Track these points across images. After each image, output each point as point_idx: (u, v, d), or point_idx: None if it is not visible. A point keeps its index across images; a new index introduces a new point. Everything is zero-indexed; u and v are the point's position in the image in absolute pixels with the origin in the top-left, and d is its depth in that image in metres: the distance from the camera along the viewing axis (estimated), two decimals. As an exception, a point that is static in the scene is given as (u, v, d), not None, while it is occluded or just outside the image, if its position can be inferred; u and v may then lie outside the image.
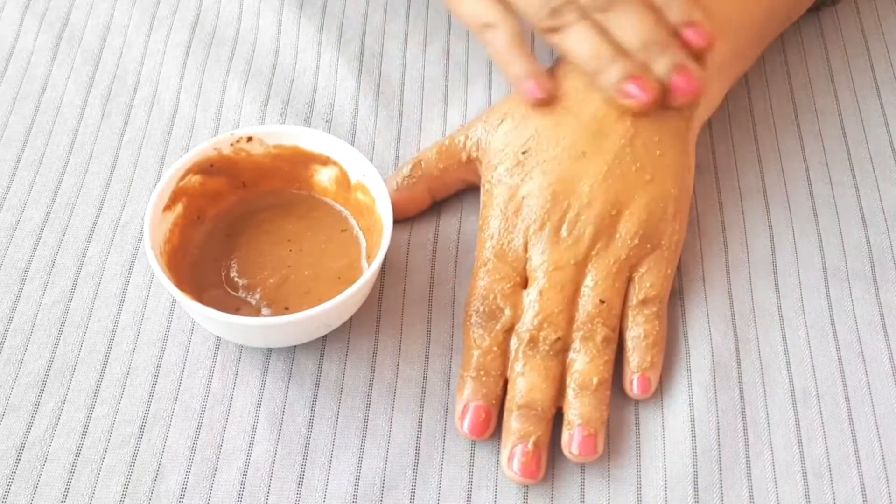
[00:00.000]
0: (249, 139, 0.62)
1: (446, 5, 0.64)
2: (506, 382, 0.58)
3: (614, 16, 0.59)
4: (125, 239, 0.64)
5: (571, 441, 0.56)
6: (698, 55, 0.60)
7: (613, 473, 0.56)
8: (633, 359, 0.58)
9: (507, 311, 0.59)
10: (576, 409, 0.56)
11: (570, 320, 0.58)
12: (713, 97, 0.64)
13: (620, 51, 0.59)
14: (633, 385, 0.58)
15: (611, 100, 0.60)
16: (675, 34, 0.60)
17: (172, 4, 0.75)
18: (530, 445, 0.55)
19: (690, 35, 0.60)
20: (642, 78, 0.59)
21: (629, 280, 0.59)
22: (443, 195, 0.65)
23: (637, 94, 0.59)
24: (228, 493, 0.55)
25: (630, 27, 0.59)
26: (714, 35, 0.60)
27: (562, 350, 0.58)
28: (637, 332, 0.58)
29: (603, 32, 0.59)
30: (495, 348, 0.58)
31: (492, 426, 0.57)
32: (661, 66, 0.59)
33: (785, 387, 0.58)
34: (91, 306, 0.61)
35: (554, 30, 0.60)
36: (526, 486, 0.56)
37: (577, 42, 0.60)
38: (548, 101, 0.61)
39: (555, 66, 0.63)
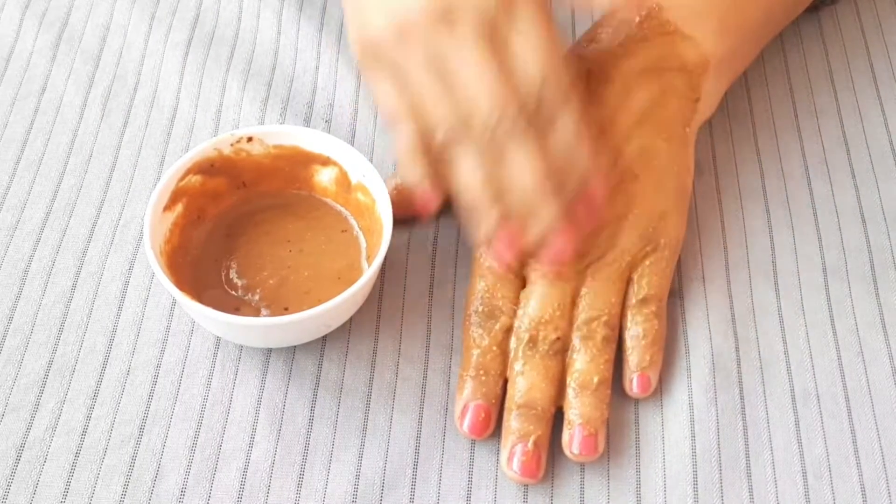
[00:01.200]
0: (249, 139, 0.62)
1: (364, 77, 0.60)
2: (505, 382, 0.58)
3: (512, 152, 0.54)
4: (125, 239, 0.64)
5: (572, 440, 0.56)
6: (591, 209, 0.57)
7: (613, 473, 0.56)
8: (633, 358, 0.58)
9: (507, 311, 0.59)
10: (576, 409, 0.56)
11: (570, 320, 0.58)
12: (711, 97, 0.64)
13: (504, 193, 0.55)
14: (632, 384, 0.58)
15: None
16: (571, 185, 0.55)
17: (172, 5, 0.75)
18: (530, 445, 0.55)
19: (589, 188, 0.56)
20: (512, 234, 0.56)
21: (629, 280, 0.59)
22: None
23: (500, 251, 0.57)
24: (228, 493, 0.55)
25: (523, 168, 0.54)
26: (599, 219, 0.57)
27: (561, 350, 0.58)
28: (636, 331, 0.58)
29: (493, 169, 0.55)
30: (495, 348, 0.58)
31: (491, 426, 0.57)
32: (535, 221, 0.55)
33: (785, 387, 0.58)
34: (91, 306, 0.61)
35: (447, 151, 0.56)
36: (525, 486, 0.56)
37: (465, 173, 0.55)
38: (432, 212, 0.58)
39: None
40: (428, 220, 0.59)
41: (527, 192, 0.55)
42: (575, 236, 0.57)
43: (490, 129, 0.54)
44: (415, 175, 0.57)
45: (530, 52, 0.53)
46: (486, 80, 0.53)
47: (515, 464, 0.55)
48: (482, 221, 0.56)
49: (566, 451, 0.56)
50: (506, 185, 0.55)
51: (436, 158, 0.56)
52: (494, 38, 0.53)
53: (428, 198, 0.57)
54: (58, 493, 0.55)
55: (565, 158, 0.55)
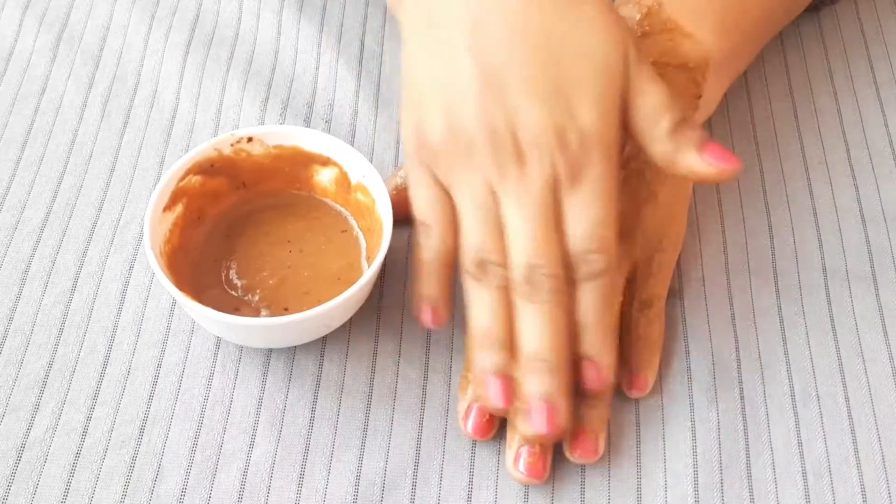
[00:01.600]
0: (250, 139, 0.62)
1: (408, 178, 0.58)
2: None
3: (530, 305, 0.53)
4: (125, 239, 0.64)
5: (572, 443, 0.56)
6: (596, 393, 0.55)
7: (614, 473, 0.56)
8: (630, 358, 0.58)
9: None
10: (577, 411, 0.56)
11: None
12: (711, 97, 0.64)
13: (507, 343, 0.54)
14: (629, 384, 0.58)
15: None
16: (575, 358, 0.54)
17: (172, 5, 0.75)
18: (536, 446, 0.55)
19: (587, 372, 0.55)
20: (508, 385, 0.54)
21: (628, 280, 0.59)
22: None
23: (492, 393, 0.54)
24: (228, 494, 0.55)
25: (534, 326, 0.53)
26: (608, 384, 0.55)
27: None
28: (634, 331, 0.58)
29: (507, 311, 0.54)
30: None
31: (495, 427, 0.57)
32: (532, 386, 0.53)
33: (785, 387, 0.58)
34: (91, 307, 0.61)
35: (471, 277, 0.55)
36: (526, 487, 0.56)
37: (479, 306, 0.54)
38: (435, 327, 0.57)
39: None
40: (437, 328, 0.58)
41: (532, 356, 0.53)
42: (560, 411, 0.54)
43: (519, 278, 0.53)
44: (429, 289, 0.56)
45: (585, 221, 0.53)
46: (534, 229, 0.53)
47: (522, 465, 0.55)
48: (480, 358, 0.55)
49: (566, 454, 0.56)
50: (515, 337, 0.54)
51: (451, 279, 0.56)
52: (556, 193, 0.53)
53: (438, 315, 0.56)
54: (58, 494, 0.55)
55: (582, 331, 0.54)
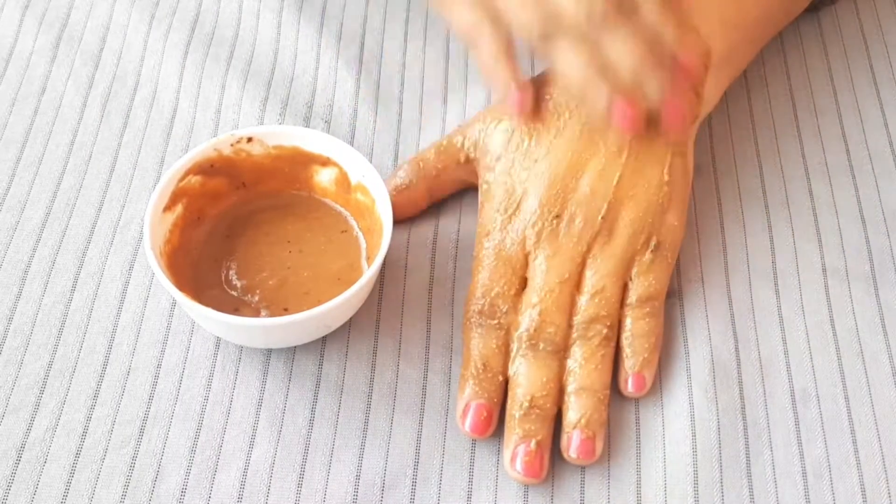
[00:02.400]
0: (250, 140, 0.62)
1: (435, 9, 0.63)
2: (506, 381, 0.58)
3: (607, 39, 0.57)
4: (125, 239, 0.64)
5: (570, 444, 0.56)
6: (693, 80, 0.59)
7: (613, 473, 0.56)
8: (629, 357, 0.58)
9: (507, 310, 0.59)
10: (575, 411, 0.56)
11: (569, 319, 0.58)
12: (710, 95, 0.64)
13: (609, 73, 0.57)
14: (627, 384, 0.58)
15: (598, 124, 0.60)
16: (669, 59, 0.58)
17: (171, 5, 0.75)
18: (533, 445, 0.55)
19: (685, 60, 0.58)
20: (628, 102, 0.58)
21: (627, 280, 0.59)
22: (441, 196, 0.65)
23: (622, 118, 0.58)
24: (228, 494, 0.55)
25: (622, 50, 0.57)
26: (709, 59, 0.59)
27: (561, 349, 0.58)
28: (634, 330, 0.59)
29: (593, 55, 0.57)
30: (495, 347, 0.58)
31: (493, 425, 0.57)
32: (650, 90, 0.58)
33: (785, 387, 0.58)
34: (91, 307, 0.61)
35: (544, 48, 0.59)
36: (526, 486, 0.56)
37: (566, 63, 0.58)
38: (531, 108, 0.61)
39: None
40: (525, 118, 0.61)
41: (632, 70, 0.57)
42: (687, 98, 0.58)
43: (583, 22, 0.56)
44: (503, 80, 0.60)
45: None
46: None
47: (519, 464, 0.55)
48: (596, 97, 0.58)
49: (564, 454, 0.56)
50: (609, 67, 0.57)
51: (517, 63, 0.60)
52: None
53: (522, 96, 0.60)
54: (58, 494, 0.55)
55: (656, 35, 0.57)
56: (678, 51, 0.58)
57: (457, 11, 0.60)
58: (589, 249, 0.59)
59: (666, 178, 0.60)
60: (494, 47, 0.60)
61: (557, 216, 0.59)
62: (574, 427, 0.56)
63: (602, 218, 0.59)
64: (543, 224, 0.59)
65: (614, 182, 0.59)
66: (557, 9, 0.56)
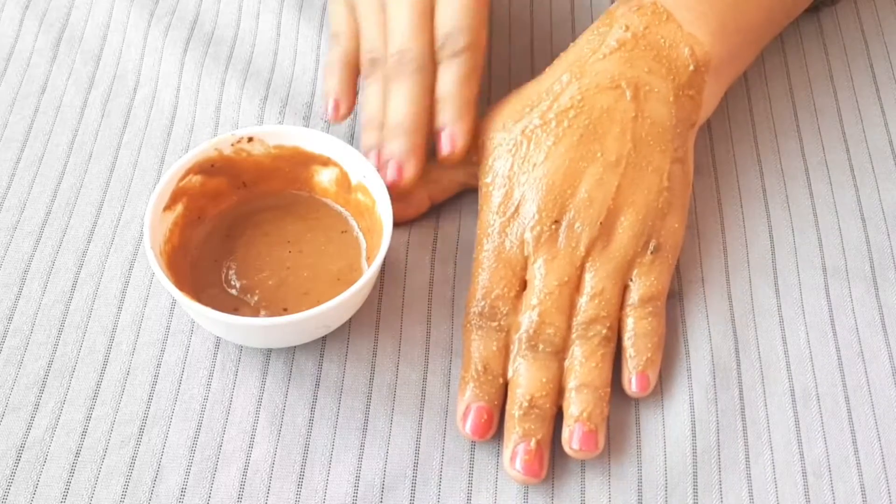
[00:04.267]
0: (250, 139, 0.62)
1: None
2: (506, 383, 0.58)
3: (395, 90, 0.62)
4: (125, 239, 0.64)
5: (572, 437, 0.56)
6: (447, 157, 0.62)
7: (614, 472, 0.56)
8: (632, 357, 0.58)
9: (507, 312, 0.59)
10: (576, 406, 0.56)
11: (569, 320, 0.58)
12: (711, 99, 0.64)
13: (381, 123, 0.62)
14: (631, 383, 0.58)
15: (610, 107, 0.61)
16: (428, 133, 0.62)
17: (171, 5, 0.75)
18: (532, 444, 0.55)
19: (443, 137, 0.62)
20: (395, 159, 0.61)
21: (628, 281, 0.59)
22: (441, 199, 0.65)
23: (386, 171, 0.61)
24: (228, 494, 0.55)
25: (396, 100, 0.61)
26: (465, 147, 0.62)
27: (561, 350, 0.58)
28: (636, 330, 0.59)
29: (384, 100, 0.62)
30: (496, 349, 0.58)
31: (494, 428, 0.57)
32: (389, 149, 0.61)
33: (785, 387, 0.58)
34: (91, 306, 0.61)
35: (365, 77, 0.64)
36: (526, 487, 0.56)
37: (367, 97, 0.63)
38: (337, 120, 0.65)
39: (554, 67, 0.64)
40: (333, 122, 0.66)
41: (393, 124, 0.61)
42: (408, 165, 0.61)
43: (391, 62, 0.62)
44: (328, 84, 0.64)
45: (451, 8, 0.61)
46: (406, 22, 0.61)
47: (518, 463, 0.55)
48: (364, 138, 0.63)
49: (566, 448, 0.56)
50: (388, 109, 0.62)
51: (353, 79, 0.65)
52: None
53: (335, 106, 0.64)
54: (58, 494, 0.55)
55: (442, 99, 0.62)
56: (443, 127, 0.62)
57: (335, 12, 0.66)
58: (588, 253, 0.59)
59: (665, 184, 0.60)
60: (340, 53, 0.64)
61: (556, 221, 0.59)
62: (576, 420, 0.56)
63: (601, 223, 0.59)
64: (542, 228, 0.59)
65: (613, 190, 0.59)
66: (385, 42, 0.62)
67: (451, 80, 0.62)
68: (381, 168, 0.62)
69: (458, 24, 0.61)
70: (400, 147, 0.61)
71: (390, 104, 0.62)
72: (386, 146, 0.62)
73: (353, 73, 0.64)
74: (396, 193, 0.61)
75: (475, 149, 0.63)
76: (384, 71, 0.62)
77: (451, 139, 0.62)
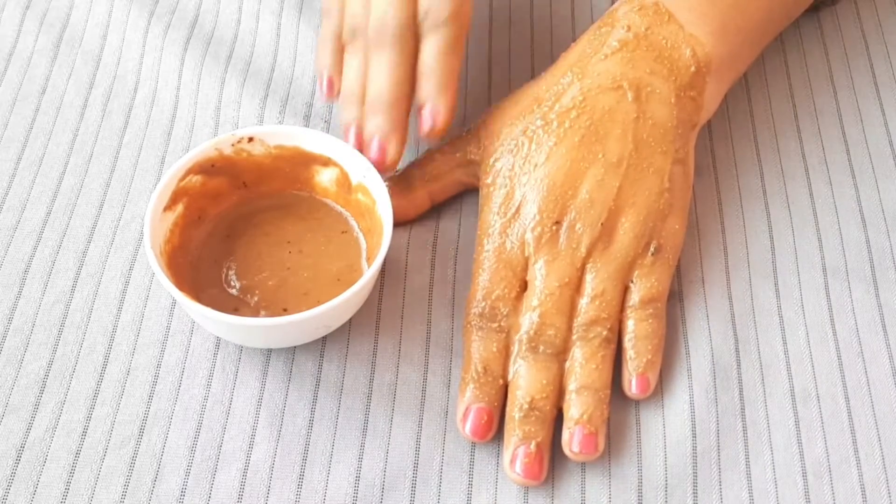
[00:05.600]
0: (251, 139, 0.62)
1: None
2: (507, 385, 0.58)
3: (375, 60, 0.61)
4: (125, 239, 0.64)
5: (572, 439, 0.56)
6: (429, 133, 0.61)
7: (614, 473, 0.56)
8: (632, 359, 0.58)
9: (508, 313, 0.59)
10: (576, 408, 0.56)
11: (570, 322, 0.58)
12: (711, 100, 0.64)
13: (360, 96, 0.61)
14: (631, 385, 0.58)
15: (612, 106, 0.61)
16: (408, 106, 0.61)
17: (171, 4, 0.75)
18: (533, 447, 0.55)
19: (424, 114, 0.61)
20: (361, 132, 0.61)
21: (629, 283, 0.59)
22: (442, 198, 0.65)
23: (350, 142, 0.61)
24: (228, 494, 0.55)
25: (376, 72, 0.61)
26: (447, 123, 0.61)
27: (562, 351, 0.58)
28: (636, 332, 0.59)
29: (364, 72, 0.61)
30: (496, 350, 0.58)
31: (493, 429, 0.57)
32: (370, 125, 0.61)
33: (785, 387, 0.58)
34: (91, 306, 0.61)
35: (348, 49, 0.63)
36: (526, 488, 0.56)
37: (347, 69, 0.63)
38: (331, 97, 0.63)
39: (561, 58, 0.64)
40: (328, 100, 0.65)
41: (372, 97, 0.61)
42: (390, 142, 0.61)
43: (371, 34, 0.61)
44: (320, 60, 0.64)
45: None
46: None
47: (518, 466, 0.55)
48: (342, 112, 0.62)
49: (566, 450, 0.56)
50: (368, 82, 0.61)
51: (341, 55, 0.63)
52: None
53: (332, 84, 0.63)
54: (58, 494, 0.55)
55: (423, 72, 0.61)
56: (431, 99, 0.61)
57: None
58: (589, 254, 0.59)
59: (666, 185, 0.60)
60: (331, 29, 0.63)
61: (557, 222, 0.59)
62: (576, 423, 0.56)
63: (602, 224, 0.59)
64: (543, 229, 0.59)
65: (614, 191, 0.59)
66: (369, 13, 0.61)
67: (432, 52, 0.61)
68: (362, 146, 0.61)
69: None
70: (381, 124, 0.60)
71: (370, 75, 0.61)
72: (367, 122, 0.61)
73: (341, 47, 0.64)
74: (382, 170, 0.60)
75: (476, 142, 0.62)
76: (364, 41, 0.62)
77: (432, 115, 0.61)
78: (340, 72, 0.63)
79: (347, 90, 0.62)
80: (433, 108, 0.61)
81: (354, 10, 0.62)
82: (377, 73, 0.61)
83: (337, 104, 0.66)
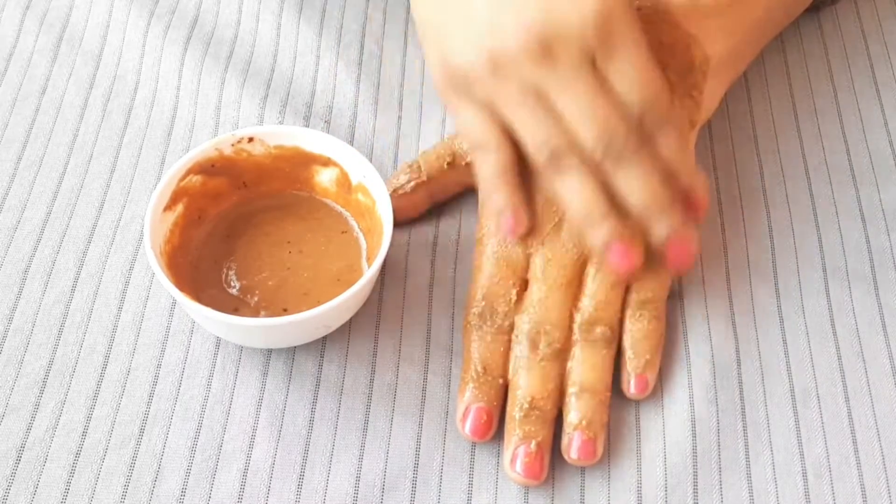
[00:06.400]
0: (251, 139, 0.62)
1: (444, 104, 0.60)
2: (507, 385, 0.58)
3: (621, 171, 0.55)
4: (125, 239, 0.64)
5: (571, 445, 0.56)
6: (699, 218, 0.57)
7: (614, 473, 0.56)
8: (631, 359, 0.58)
9: (508, 313, 0.59)
10: (576, 413, 0.56)
11: (570, 322, 0.58)
12: (711, 99, 0.64)
13: (613, 209, 0.56)
14: (630, 385, 0.58)
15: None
16: (680, 197, 0.57)
17: (171, 4, 0.75)
18: (533, 447, 0.55)
19: (696, 197, 0.57)
20: (628, 243, 0.56)
21: (629, 283, 0.59)
22: (442, 198, 0.65)
23: (618, 260, 0.56)
24: (228, 494, 0.55)
25: (636, 186, 0.55)
26: (706, 201, 0.58)
27: (562, 351, 0.58)
28: (635, 332, 0.59)
29: (601, 186, 0.55)
30: (496, 350, 0.58)
31: (493, 429, 0.57)
32: (659, 229, 0.56)
33: (785, 387, 0.58)
34: (91, 306, 0.61)
35: (551, 171, 0.56)
36: (526, 488, 0.56)
37: (571, 192, 0.56)
38: (523, 234, 0.58)
39: None
40: (515, 238, 0.59)
41: (643, 206, 0.55)
42: (691, 235, 0.56)
43: (600, 151, 0.54)
44: (499, 200, 0.57)
45: (630, 80, 0.54)
46: (592, 107, 0.54)
47: (518, 465, 0.55)
48: (595, 234, 0.56)
49: (565, 455, 0.56)
50: (618, 201, 0.55)
51: (520, 185, 0.57)
52: (595, 69, 0.54)
53: (517, 219, 0.58)
54: (58, 494, 0.55)
55: (671, 171, 0.55)
56: (691, 188, 0.56)
57: (465, 114, 0.57)
58: (590, 254, 0.59)
59: None
60: (497, 165, 0.57)
61: (559, 220, 0.59)
62: (575, 428, 0.56)
63: None
64: (544, 227, 0.59)
65: None
66: (575, 133, 0.54)
67: (670, 146, 0.56)
68: (677, 256, 0.56)
69: (645, 90, 0.55)
70: (670, 221, 0.55)
71: (626, 189, 0.55)
72: (656, 228, 0.56)
73: (517, 179, 0.57)
74: (681, 269, 0.57)
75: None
76: (581, 159, 0.55)
77: (694, 197, 0.57)
78: (525, 203, 0.58)
79: (586, 210, 0.55)
80: (694, 189, 0.57)
81: (544, 132, 0.55)
82: (633, 182, 0.55)
83: (514, 239, 0.59)
